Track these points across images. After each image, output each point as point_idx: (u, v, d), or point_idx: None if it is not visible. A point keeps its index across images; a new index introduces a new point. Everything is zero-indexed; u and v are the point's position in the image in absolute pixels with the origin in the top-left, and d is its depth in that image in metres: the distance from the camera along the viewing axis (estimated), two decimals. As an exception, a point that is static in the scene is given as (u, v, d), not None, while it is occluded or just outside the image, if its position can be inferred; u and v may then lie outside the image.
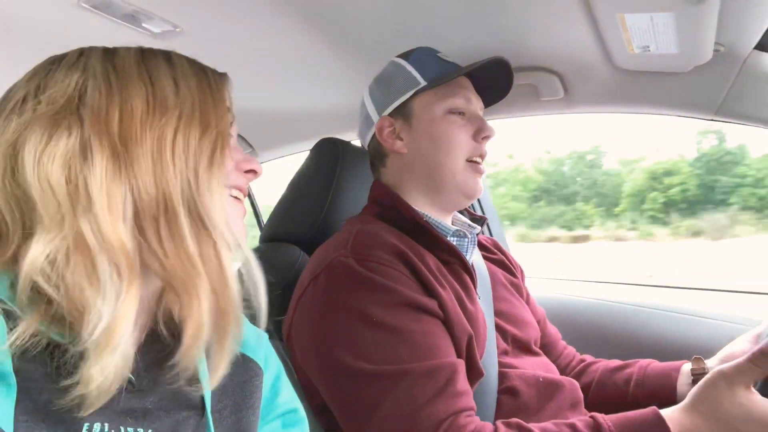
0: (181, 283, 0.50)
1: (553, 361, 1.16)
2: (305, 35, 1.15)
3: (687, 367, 1.06)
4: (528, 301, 1.22)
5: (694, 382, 1.00)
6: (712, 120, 1.17)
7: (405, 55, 1.06)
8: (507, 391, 0.97)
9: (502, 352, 1.02)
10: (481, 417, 0.91)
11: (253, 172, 0.63)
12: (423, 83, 1.01)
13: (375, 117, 1.06)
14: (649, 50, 1.00)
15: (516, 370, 0.99)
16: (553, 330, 1.25)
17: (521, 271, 1.27)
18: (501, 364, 0.99)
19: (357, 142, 1.23)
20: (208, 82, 0.58)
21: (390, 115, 1.04)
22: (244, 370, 0.64)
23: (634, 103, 1.26)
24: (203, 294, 0.50)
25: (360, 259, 0.87)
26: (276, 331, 0.99)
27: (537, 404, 0.96)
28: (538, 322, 1.19)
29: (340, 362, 0.81)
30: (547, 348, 1.19)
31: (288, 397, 0.68)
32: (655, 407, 0.76)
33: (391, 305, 0.83)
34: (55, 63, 0.55)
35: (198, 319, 0.50)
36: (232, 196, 0.61)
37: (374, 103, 1.07)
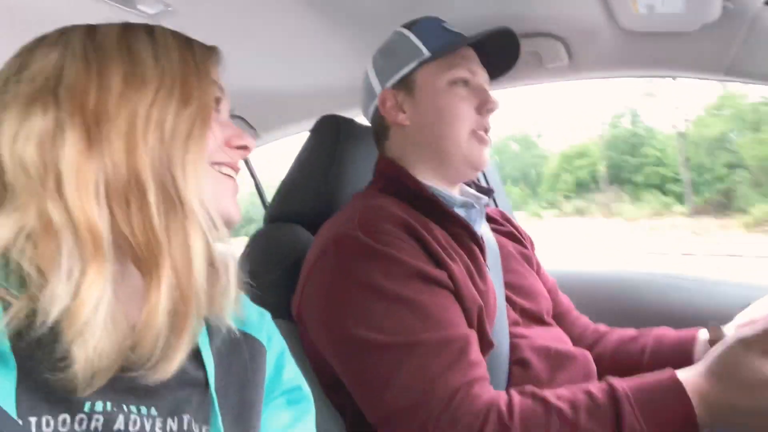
0: (144, 260, 0.49)
1: (566, 331, 1.15)
2: (303, 11, 1.13)
3: (703, 334, 1.04)
4: (539, 272, 1.21)
5: None
6: (722, 80, 1.14)
7: (409, 25, 1.04)
8: (518, 362, 0.96)
9: (513, 323, 1.01)
10: (494, 387, 0.92)
11: (244, 148, 0.62)
12: (427, 54, 0.99)
13: (378, 89, 1.04)
14: (655, 9, 0.97)
15: (527, 340, 0.98)
16: (564, 299, 1.24)
17: (531, 242, 1.25)
18: (512, 335, 0.98)
19: (359, 119, 1.22)
20: (193, 56, 0.57)
21: (393, 87, 1.02)
22: (247, 348, 0.63)
23: (641, 66, 1.23)
24: (164, 273, 0.49)
25: (368, 232, 0.86)
26: (283, 311, 0.99)
27: (548, 375, 0.96)
28: (550, 292, 1.18)
29: (352, 335, 0.81)
30: (559, 317, 1.18)
31: (292, 374, 0.68)
32: (671, 370, 0.74)
33: (402, 277, 0.83)
34: (37, 42, 0.54)
35: (154, 300, 0.49)
36: (222, 173, 0.59)
37: (377, 74, 1.05)
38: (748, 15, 1.00)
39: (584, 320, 1.24)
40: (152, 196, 0.50)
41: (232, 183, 0.61)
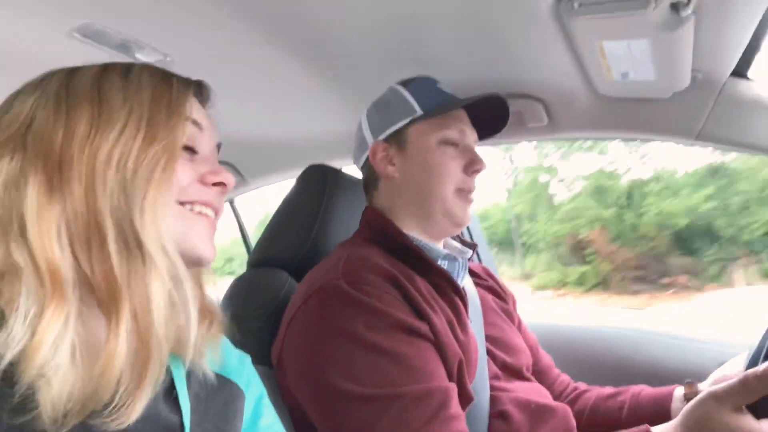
0: (105, 304, 0.49)
1: (547, 388, 1.15)
2: (296, 64, 1.17)
3: (680, 391, 1.06)
4: (520, 328, 1.22)
5: None
6: (694, 144, 1.19)
7: (405, 83, 1.08)
8: (499, 415, 0.96)
9: (494, 377, 1.01)
10: (474, 440, 0.91)
11: (221, 185, 0.60)
12: (420, 112, 1.03)
13: (370, 140, 1.07)
14: (629, 77, 1.02)
15: (507, 393, 0.98)
16: (545, 357, 1.25)
17: (513, 299, 1.27)
18: (493, 388, 0.99)
19: (347, 170, 1.25)
20: (168, 92, 0.57)
21: (385, 140, 1.06)
22: (225, 392, 0.63)
23: (617, 129, 1.29)
24: (123, 317, 0.48)
25: (351, 281, 0.87)
26: (263, 357, 0.98)
27: (529, 429, 0.96)
28: (531, 349, 1.19)
29: (332, 385, 0.80)
30: (541, 375, 1.19)
31: (270, 420, 0.67)
32: (647, 425, 0.76)
33: (384, 328, 0.83)
34: (23, 87, 0.56)
35: (112, 345, 0.48)
36: (194, 212, 0.58)
37: (370, 126, 1.08)
38: (717, 85, 1.07)
39: (565, 378, 1.24)
40: (111, 240, 0.49)
41: (206, 222, 0.58)
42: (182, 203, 0.56)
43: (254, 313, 1.02)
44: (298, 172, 1.21)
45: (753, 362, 0.87)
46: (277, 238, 1.15)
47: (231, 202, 2.14)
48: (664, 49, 0.90)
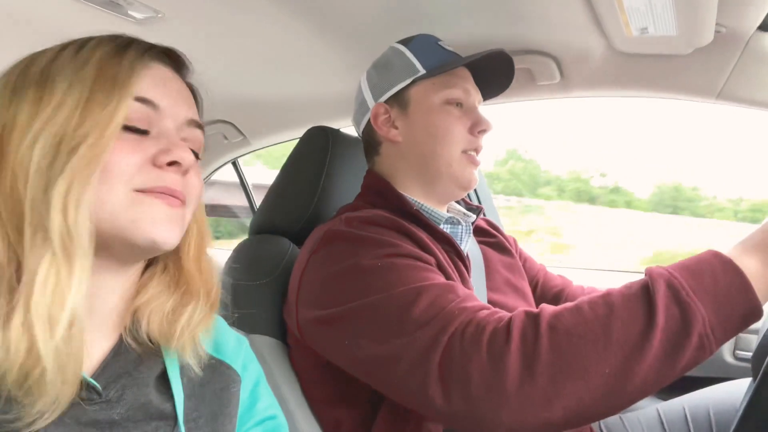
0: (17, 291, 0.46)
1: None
2: (295, 21, 1.12)
3: None
4: (525, 264, 1.22)
5: None
6: (713, 103, 1.14)
7: (405, 42, 1.03)
8: None
9: None
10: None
11: (175, 164, 0.53)
12: (422, 71, 0.98)
13: (371, 103, 1.03)
14: (648, 32, 0.96)
15: None
16: (558, 279, 1.25)
17: (514, 242, 1.26)
18: None
19: (347, 130, 1.20)
20: (117, 66, 0.52)
21: (386, 102, 1.01)
22: (220, 377, 0.61)
23: (633, 87, 1.23)
24: (20, 303, 0.45)
25: (357, 226, 0.86)
26: (265, 328, 0.97)
27: None
28: (539, 279, 1.22)
29: (356, 307, 0.77)
30: (561, 295, 1.19)
31: (267, 403, 0.66)
32: (714, 249, 0.67)
33: (394, 255, 0.81)
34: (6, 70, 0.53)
35: (9, 334, 0.44)
36: (149, 196, 0.52)
37: (371, 88, 1.04)
38: (742, 40, 1.00)
39: (582, 290, 1.23)
40: (27, 227, 0.47)
41: (160, 204, 0.52)
42: (138, 191, 0.51)
43: (256, 282, 1.01)
44: (300, 133, 1.17)
45: (762, 347, 0.84)
46: (279, 204, 1.12)
47: (234, 163, 2.11)
48: (688, 3, 0.84)
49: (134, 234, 0.50)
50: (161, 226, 0.52)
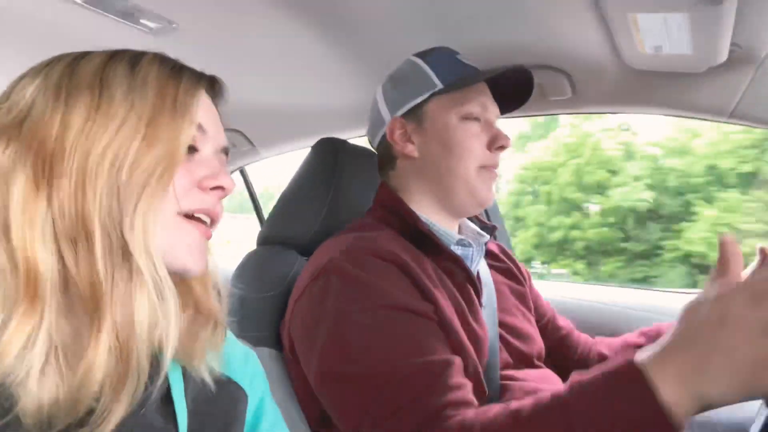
0: (89, 310, 0.46)
1: (572, 356, 1.16)
2: (307, 32, 1.12)
3: None
4: (537, 302, 1.20)
5: None
6: (726, 122, 1.13)
7: (423, 55, 1.01)
8: None
9: (505, 365, 0.99)
10: None
11: (220, 188, 0.55)
12: (439, 86, 0.97)
13: (387, 117, 1.02)
14: (662, 50, 0.96)
15: (518, 383, 0.96)
16: (565, 322, 1.23)
17: (528, 275, 1.23)
18: (503, 377, 0.96)
19: (355, 141, 1.20)
20: (175, 90, 0.53)
21: (402, 116, 1.00)
22: (228, 395, 0.60)
23: (645, 104, 1.22)
24: (104, 326, 0.45)
25: (356, 263, 0.84)
26: (271, 340, 0.97)
27: None
28: (548, 319, 1.19)
29: (330, 366, 0.79)
30: (566, 340, 1.18)
31: (271, 421, 0.65)
32: (630, 358, 0.58)
33: (385, 308, 0.80)
34: (27, 72, 0.52)
35: (92, 353, 0.45)
36: (195, 218, 0.54)
37: (387, 102, 1.03)
38: (756, 59, 1.00)
39: (585, 340, 1.22)
40: (98, 244, 0.46)
41: (198, 233, 0.54)
42: (179, 215, 0.52)
43: (262, 295, 1.00)
44: (309, 143, 1.17)
45: None
46: (287, 216, 1.12)
47: (242, 171, 2.11)
48: (704, 23, 0.83)
49: (170, 258, 0.51)
50: (195, 254, 0.54)
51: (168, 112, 0.51)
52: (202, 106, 0.56)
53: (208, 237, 0.56)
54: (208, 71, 0.62)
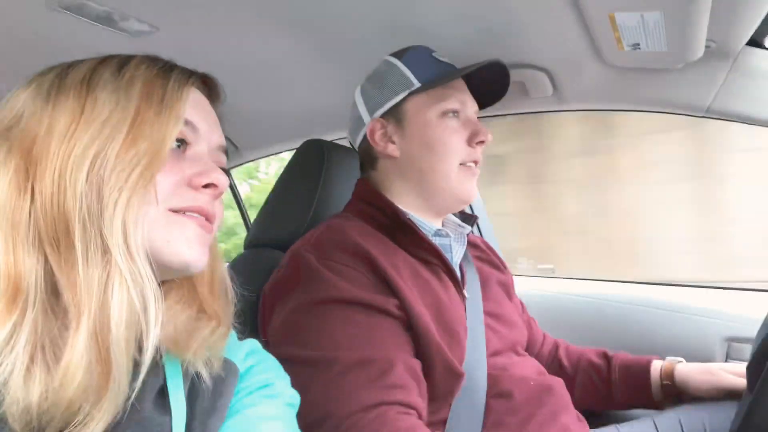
0: (70, 311, 0.46)
1: (536, 353, 1.19)
2: (288, 35, 1.12)
3: (657, 365, 1.12)
4: (512, 299, 1.21)
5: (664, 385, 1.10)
6: (703, 117, 1.15)
7: (399, 54, 1.02)
8: (498, 394, 0.95)
9: (493, 353, 1.00)
10: (469, 421, 0.91)
11: (212, 186, 0.55)
12: (417, 85, 0.98)
13: (366, 118, 1.03)
14: (640, 48, 0.98)
15: (506, 372, 0.97)
16: (533, 322, 1.27)
17: (510, 272, 1.25)
18: (491, 366, 0.97)
19: (342, 141, 1.20)
20: (162, 87, 0.53)
21: (382, 116, 1.01)
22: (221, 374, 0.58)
23: (624, 100, 1.25)
24: (81, 327, 0.45)
25: (319, 256, 0.87)
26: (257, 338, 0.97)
27: (529, 408, 0.95)
28: (531, 329, 1.22)
29: (281, 350, 0.77)
30: (531, 340, 1.21)
31: (265, 374, 0.63)
32: None
33: (340, 300, 0.83)
34: (28, 79, 0.53)
35: (68, 356, 0.44)
36: (183, 216, 0.53)
37: (366, 103, 1.03)
38: (731, 54, 1.02)
39: (549, 342, 1.27)
40: (78, 244, 0.46)
41: (193, 225, 0.53)
42: (169, 210, 0.52)
43: (249, 297, 1.00)
44: (293, 144, 1.18)
45: (757, 357, 0.84)
46: (275, 218, 1.12)
47: (227, 172, 2.10)
48: (679, 20, 0.85)
49: (169, 254, 0.51)
50: (195, 248, 0.53)
51: (153, 109, 0.51)
52: (192, 103, 0.56)
53: (209, 231, 0.55)
54: None
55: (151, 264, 0.49)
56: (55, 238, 0.47)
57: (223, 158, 0.61)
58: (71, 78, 0.52)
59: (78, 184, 0.47)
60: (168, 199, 0.52)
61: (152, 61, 0.56)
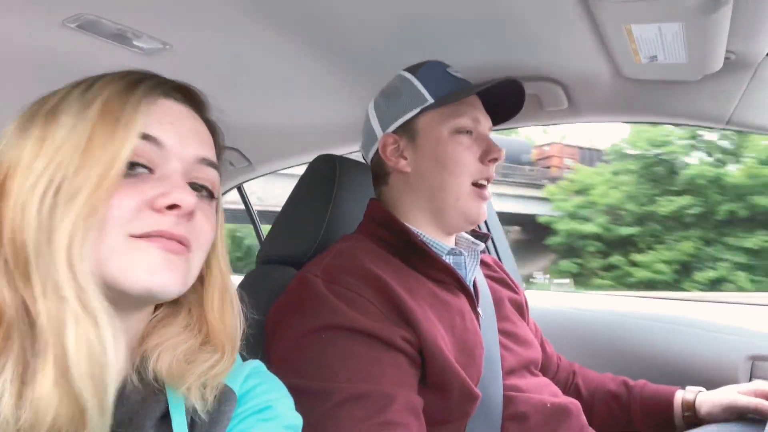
0: (39, 345, 0.44)
1: (551, 378, 1.15)
2: (300, 50, 1.12)
3: (679, 396, 1.09)
4: (526, 319, 1.20)
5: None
6: (723, 129, 1.13)
7: (413, 69, 1.01)
8: (514, 417, 0.93)
9: (508, 372, 0.98)
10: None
11: (175, 207, 0.50)
12: (430, 101, 0.97)
13: (379, 133, 1.02)
14: (657, 60, 0.96)
15: (522, 394, 0.95)
16: (549, 345, 1.25)
17: (522, 292, 1.23)
18: (507, 387, 0.95)
19: (355, 155, 1.20)
20: (123, 104, 0.50)
21: (395, 131, 1.00)
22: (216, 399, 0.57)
23: (641, 113, 1.22)
24: (48, 364, 0.43)
25: (328, 281, 0.85)
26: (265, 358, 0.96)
27: (546, 431, 0.93)
28: (545, 347, 1.20)
29: (283, 376, 0.76)
30: (545, 363, 1.18)
31: (263, 396, 0.61)
32: None
33: (343, 328, 0.80)
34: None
35: (40, 391, 0.42)
36: (144, 241, 0.49)
37: (379, 118, 1.03)
38: (751, 66, 1.00)
39: (565, 365, 1.25)
40: (34, 275, 0.44)
41: (156, 250, 0.49)
42: (133, 237, 0.49)
43: (259, 315, 0.99)
44: (306, 158, 1.17)
45: None
46: (287, 234, 1.11)
47: (239, 188, 2.11)
48: (699, 32, 0.83)
49: (127, 283, 0.48)
50: (158, 274, 0.49)
51: (108, 128, 0.49)
52: (158, 117, 0.53)
53: (180, 253, 0.51)
54: (203, 91, 0.61)
55: (107, 295, 0.47)
56: (20, 270, 0.45)
57: (209, 172, 0.57)
58: (43, 108, 0.51)
59: (32, 212, 0.45)
60: (127, 224, 0.48)
61: (123, 76, 0.54)
